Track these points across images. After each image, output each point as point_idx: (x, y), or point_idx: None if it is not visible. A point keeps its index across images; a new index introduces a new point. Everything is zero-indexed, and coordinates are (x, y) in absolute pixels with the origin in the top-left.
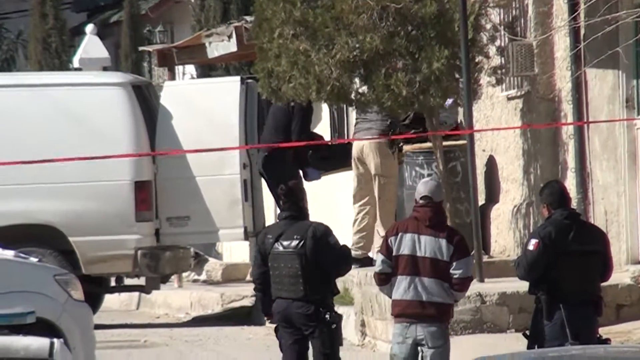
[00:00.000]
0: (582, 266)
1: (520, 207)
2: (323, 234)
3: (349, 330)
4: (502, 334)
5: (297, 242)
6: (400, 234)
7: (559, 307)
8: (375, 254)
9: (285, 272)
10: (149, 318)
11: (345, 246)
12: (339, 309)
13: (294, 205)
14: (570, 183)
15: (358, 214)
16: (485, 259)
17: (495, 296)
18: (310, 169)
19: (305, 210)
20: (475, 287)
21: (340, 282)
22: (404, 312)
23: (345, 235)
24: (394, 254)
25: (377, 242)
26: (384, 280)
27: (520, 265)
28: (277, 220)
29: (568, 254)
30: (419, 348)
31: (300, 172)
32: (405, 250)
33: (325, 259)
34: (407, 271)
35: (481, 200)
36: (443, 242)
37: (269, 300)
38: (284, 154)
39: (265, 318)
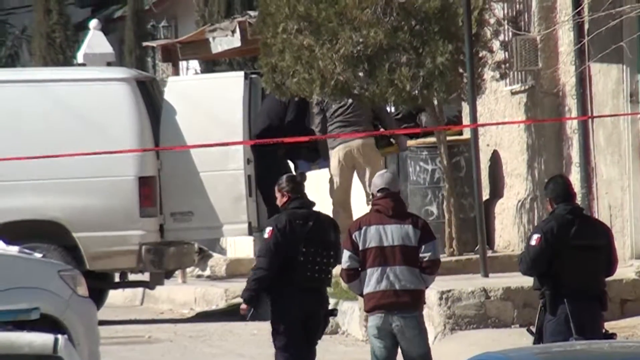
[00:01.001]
0: (585, 261)
1: (524, 202)
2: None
3: (353, 325)
4: (506, 329)
5: (327, 230)
6: (364, 228)
7: (562, 302)
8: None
9: (320, 260)
10: (153, 314)
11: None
12: (343, 304)
13: (302, 195)
14: (575, 178)
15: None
16: (489, 254)
17: (499, 291)
18: (301, 161)
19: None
20: (479, 282)
21: None
22: (379, 304)
23: None
24: (360, 248)
25: None
26: (353, 276)
27: (523, 260)
28: (293, 209)
29: (570, 248)
30: (397, 338)
31: (292, 164)
32: (372, 242)
33: (337, 250)
34: (377, 262)
35: (485, 195)
36: (409, 227)
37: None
38: (275, 146)
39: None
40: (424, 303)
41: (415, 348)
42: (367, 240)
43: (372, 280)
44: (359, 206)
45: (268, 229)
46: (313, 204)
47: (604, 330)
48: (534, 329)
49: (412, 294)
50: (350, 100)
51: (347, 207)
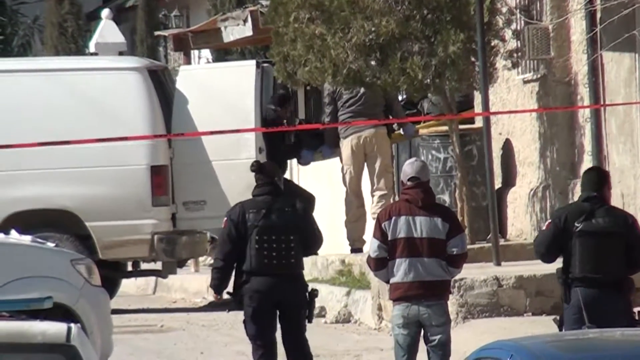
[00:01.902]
0: (598, 248)
1: (536, 190)
2: (306, 209)
3: (366, 314)
4: (519, 318)
5: (285, 215)
6: (394, 218)
7: (575, 289)
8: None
9: (276, 246)
10: (166, 303)
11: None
12: (356, 293)
13: (269, 181)
14: (586, 166)
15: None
16: (501, 242)
17: (512, 280)
18: (305, 150)
19: (280, 186)
20: (492, 270)
21: (357, 267)
22: (406, 295)
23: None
24: (389, 238)
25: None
26: (381, 265)
27: (534, 245)
28: (253, 197)
29: (579, 235)
30: (421, 328)
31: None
32: (401, 233)
33: (306, 234)
34: (406, 253)
35: (497, 184)
36: (438, 221)
37: (227, 279)
38: (279, 137)
39: (216, 297)
40: (450, 292)
41: (439, 335)
42: (397, 230)
43: (400, 271)
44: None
45: (224, 219)
46: (278, 189)
47: (637, 317)
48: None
49: (439, 285)
50: (362, 90)
51: (359, 196)
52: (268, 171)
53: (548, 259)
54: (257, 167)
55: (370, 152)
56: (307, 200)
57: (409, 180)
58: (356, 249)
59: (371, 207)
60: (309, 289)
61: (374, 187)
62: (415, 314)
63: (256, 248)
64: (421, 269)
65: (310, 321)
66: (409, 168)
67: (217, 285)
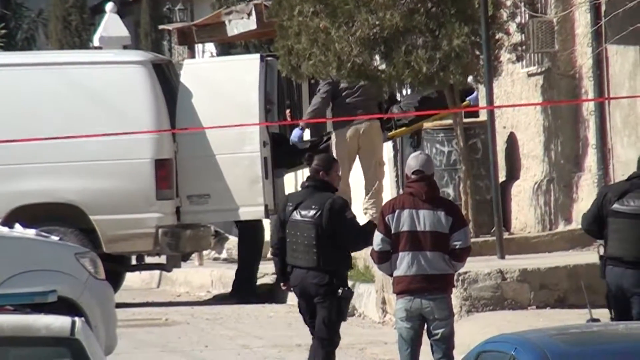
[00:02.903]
0: (626, 228)
1: (540, 183)
2: (340, 207)
3: (370, 307)
4: (523, 311)
5: (314, 212)
6: (397, 211)
7: (608, 266)
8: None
9: (301, 241)
10: (170, 296)
11: (368, 223)
12: (360, 287)
13: (311, 175)
14: (591, 159)
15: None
16: (505, 235)
17: (516, 273)
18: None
19: (328, 182)
20: (495, 263)
21: (361, 260)
22: (408, 288)
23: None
24: (392, 231)
25: None
26: (384, 258)
27: (581, 219)
28: (300, 189)
29: (613, 215)
30: (424, 321)
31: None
32: (404, 226)
33: (340, 232)
34: (408, 247)
35: (502, 177)
36: (441, 214)
37: (285, 267)
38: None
39: (282, 285)
40: (453, 286)
41: (442, 328)
42: (400, 224)
43: (403, 264)
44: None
45: None
46: (318, 184)
47: None
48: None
49: (442, 279)
50: (360, 83)
51: (347, 191)
52: (313, 165)
53: (591, 234)
54: (307, 160)
55: (364, 146)
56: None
57: (413, 173)
58: None
59: (363, 202)
60: (340, 289)
61: (367, 182)
62: (417, 307)
63: (287, 241)
64: (424, 262)
65: (338, 319)
66: (413, 161)
67: (277, 274)
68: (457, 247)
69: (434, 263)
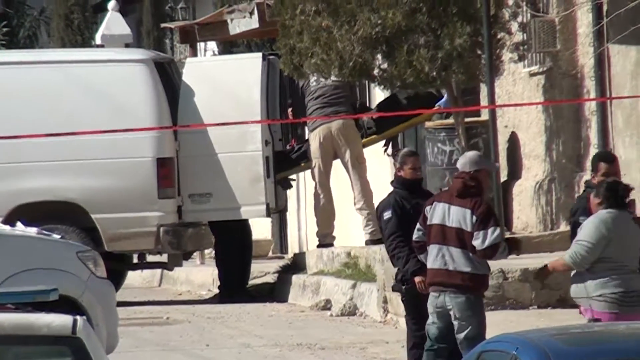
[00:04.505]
0: None
1: (542, 183)
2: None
3: (371, 306)
4: (524, 311)
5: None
6: (434, 204)
7: None
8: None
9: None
10: (171, 295)
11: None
12: (362, 286)
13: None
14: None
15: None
16: (507, 235)
17: (517, 272)
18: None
19: (402, 177)
20: (497, 263)
21: (362, 259)
22: (433, 281)
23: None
24: (427, 222)
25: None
26: (419, 248)
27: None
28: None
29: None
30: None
31: None
32: (436, 219)
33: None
34: (437, 240)
35: (503, 177)
36: (467, 212)
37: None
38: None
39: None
40: (485, 288)
41: (464, 331)
42: (434, 216)
43: (431, 256)
44: (342, 190)
45: None
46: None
47: None
48: None
49: (464, 277)
50: (330, 81)
51: (327, 190)
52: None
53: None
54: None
55: (339, 145)
56: None
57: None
58: (325, 244)
59: (354, 201)
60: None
61: (352, 182)
62: (442, 305)
63: None
64: (447, 257)
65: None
66: (460, 160)
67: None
68: (477, 247)
69: (456, 259)
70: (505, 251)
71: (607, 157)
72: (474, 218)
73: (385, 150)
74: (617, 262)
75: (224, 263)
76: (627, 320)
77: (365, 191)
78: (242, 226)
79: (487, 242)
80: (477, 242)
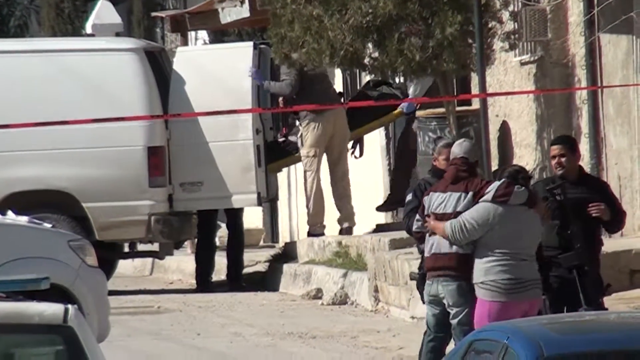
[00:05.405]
0: None
1: (533, 172)
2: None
3: (362, 295)
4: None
5: None
6: (431, 193)
7: None
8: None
9: None
10: (163, 284)
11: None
12: (352, 275)
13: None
14: (584, 148)
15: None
16: None
17: None
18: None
19: (436, 167)
20: None
21: (353, 248)
22: (427, 267)
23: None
24: (425, 212)
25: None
26: (419, 239)
27: None
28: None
29: None
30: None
31: None
32: (432, 208)
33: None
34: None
35: (494, 166)
36: (463, 195)
37: None
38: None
39: None
40: (471, 268)
41: (457, 317)
42: (431, 205)
43: (428, 246)
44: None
45: None
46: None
47: None
48: None
49: (450, 258)
50: (322, 71)
51: (319, 180)
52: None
53: None
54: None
55: (338, 133)
56: None
57: (454, 159)
58: (315, 233)
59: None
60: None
61: (340, 173)
62: (435, 292)
63: None
64: (438, 242)
65: None
66: (456, 148)
67: None
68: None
69: (442, 241)
70: (524, 193)
71: (556, 140)
72: (470, 194)
73: (352, 153)
74: (502, 249)
75: (200, 254)
76: (515, 309)
77: (345, 181)
78: (234, 216)
79: (495, 188)
80: (487, 196)
